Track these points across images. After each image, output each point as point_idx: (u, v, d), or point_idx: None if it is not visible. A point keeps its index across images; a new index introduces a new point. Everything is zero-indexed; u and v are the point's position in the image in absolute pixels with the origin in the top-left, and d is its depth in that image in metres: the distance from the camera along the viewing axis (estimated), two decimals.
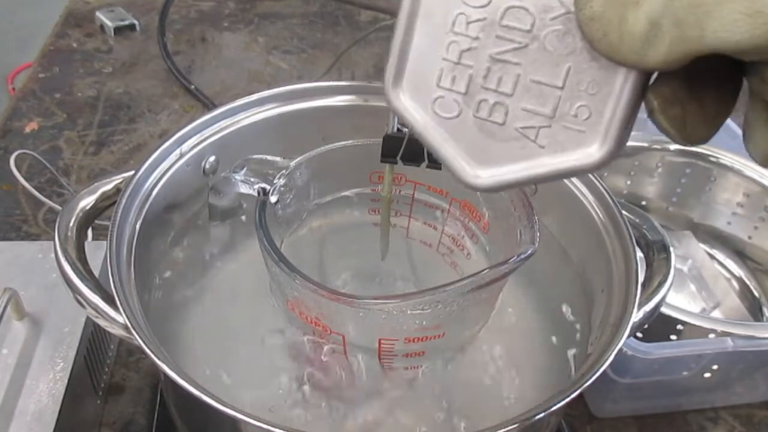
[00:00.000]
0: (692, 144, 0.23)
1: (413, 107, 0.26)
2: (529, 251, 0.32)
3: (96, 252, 0.47)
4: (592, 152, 0.24)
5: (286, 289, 0.36)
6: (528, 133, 0.25)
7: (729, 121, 0.75)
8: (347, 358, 0.38)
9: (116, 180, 0.40)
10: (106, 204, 0.40)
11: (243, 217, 0.45)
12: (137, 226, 0.40)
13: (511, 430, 0.31)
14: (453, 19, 0.25)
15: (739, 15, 0.18)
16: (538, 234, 0.33)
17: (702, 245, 0.66)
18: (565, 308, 0.44)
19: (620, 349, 0.34)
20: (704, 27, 0.19)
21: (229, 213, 0.45)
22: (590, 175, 0.43)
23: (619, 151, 0.24)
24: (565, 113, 0.24)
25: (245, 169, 0.39)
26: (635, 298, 0.36)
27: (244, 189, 0.39)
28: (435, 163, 0.38)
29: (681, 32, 0.19)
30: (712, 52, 0.19)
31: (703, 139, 0.23)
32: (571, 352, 0.42)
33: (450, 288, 0.32)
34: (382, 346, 0.36)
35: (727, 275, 0.66)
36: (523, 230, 0.34)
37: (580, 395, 0.40)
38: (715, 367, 0.50)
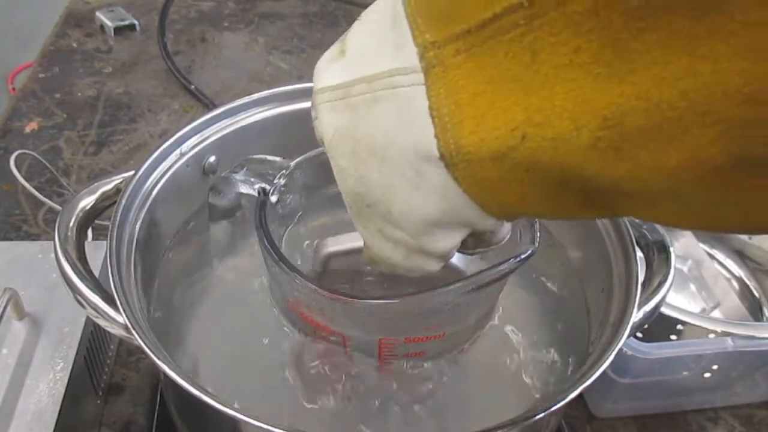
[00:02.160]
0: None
1: None
2: (529, 251, 0.32)
3: (96, 252, 0.47)
4: None
5: (287, 289, 0.36)
6: None
7: None
8: (348, 358, 0.38)
9: (116, 180, 0.40)
10: (106, 204, 0.40)
11: (243, 217, 0.45)
12: (137, 226, 0.40)
13: (511, 430, 0.31)
14: None
15: (396, 257, 0.28)
16: (538, 234, 0.33)
17: (702, 245, 0.66)
18: (565, 308, 0.44)
19: (620, 349, 0.34)
20: (388, 268, 0.29)
21: (229, 213, 0.45)
22: None
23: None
24: None
25: (245, 169, 0.39)
26: (635, 298, 0.36)
27: (244, 189, 0.39)
28: None
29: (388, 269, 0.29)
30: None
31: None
32: (571, 353, 0.42)
33: (450, 288, 0.32)
34: (382, 345, 0.36)
35: (727, 275, 0.66)
36: (522, 230, 0.34)
37: (580, 395, 0.40)
38: (715, 367, 0.50)
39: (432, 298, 0.32)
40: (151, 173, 0.41)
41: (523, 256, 0.32)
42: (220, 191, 0.42)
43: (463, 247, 0.30)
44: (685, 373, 0.50)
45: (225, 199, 0.43)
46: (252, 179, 0.38)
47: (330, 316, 0.35)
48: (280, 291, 0.38)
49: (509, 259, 0.32)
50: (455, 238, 0.27)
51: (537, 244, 0.33)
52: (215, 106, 0.48)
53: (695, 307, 0.61)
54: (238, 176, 0.39)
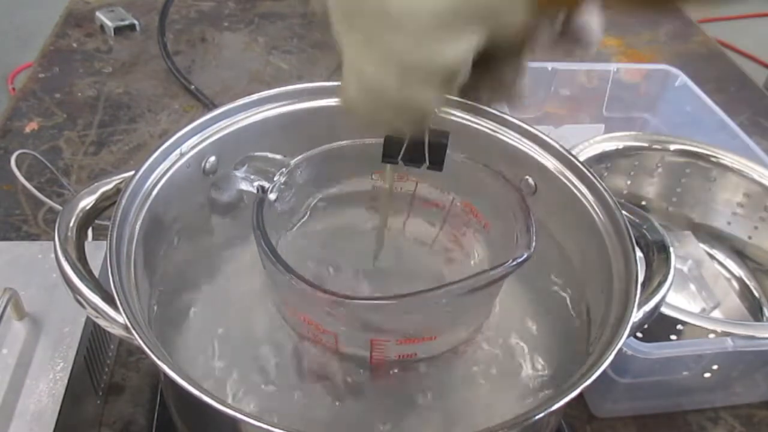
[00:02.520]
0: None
1: None
2: (524, 256, 0.32)
3: (96, 252, 0.47)
4: None
5: (282, 288, 0.36)
6: None
7: (729, 121, 0.75)
8: (340, 358, 0.38)
9: (116, 180, 0.40)
10: (106, 204, 0.40)
11: (244, 215, 0.45)
12: (137, 226, 0.40)
13: (511, 430, 0.31)
14: None
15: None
16: (534, 238, 0.33)
17: (702, 245, 0.66)
18: (564, 308, 0.44)
19: (620, 349, 0.34)
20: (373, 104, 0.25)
21: (229, 209, 0.45)
22: (590, 175, 0.43)
23: None
24: None
25: (246, 165, 0.39)
26: (635, 298, 0.36)
27: (244, 186, 0.39)
28: (436, 164, 0.38)
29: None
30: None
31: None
32: (571, 353, 0.42)
33: (444, 290, 0.32)
34: (374, 346, 0.36)
35: (727, 275, 0.66)
36: (519, 234, 0.34)
37: (580, 395, 0.40)
38: (715, 367, 0.50)
39: (427, 299, 0.32)
40: (151, 173, 0.41)
41: (519, 260, 0.32)
42: (220, 187, 0.42)
43: (477, 100, 0.27)
44: (685, 373, 0.50)
45: (225, 195, 0.43)
46: (252, 176, 0.38)
47: (323, 316, 0.35)
48: (277, 290, 0.38)
49: (504, 263, 0.32)
50: (466, 42, 0.21)
51: (533, 249, 0.33)
52: (215, 106, 0.48)
53: (695, 307, 0.61)
54: (239, 173, 0.39)
